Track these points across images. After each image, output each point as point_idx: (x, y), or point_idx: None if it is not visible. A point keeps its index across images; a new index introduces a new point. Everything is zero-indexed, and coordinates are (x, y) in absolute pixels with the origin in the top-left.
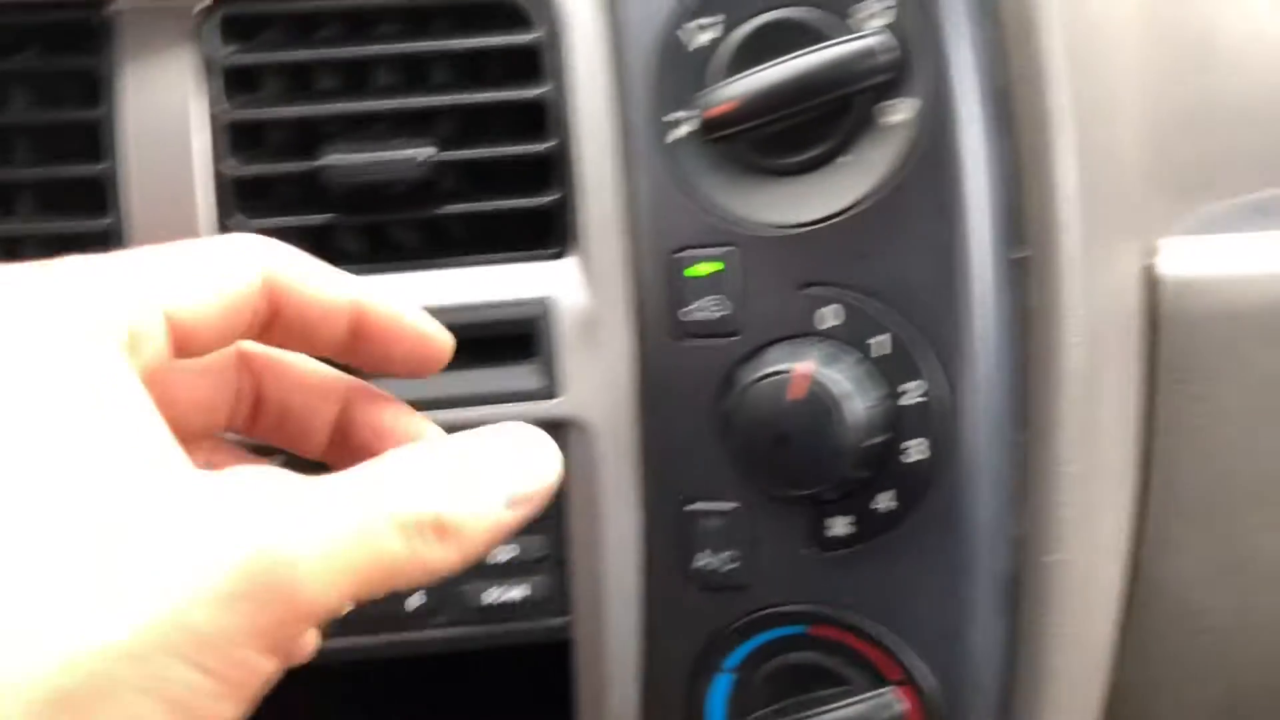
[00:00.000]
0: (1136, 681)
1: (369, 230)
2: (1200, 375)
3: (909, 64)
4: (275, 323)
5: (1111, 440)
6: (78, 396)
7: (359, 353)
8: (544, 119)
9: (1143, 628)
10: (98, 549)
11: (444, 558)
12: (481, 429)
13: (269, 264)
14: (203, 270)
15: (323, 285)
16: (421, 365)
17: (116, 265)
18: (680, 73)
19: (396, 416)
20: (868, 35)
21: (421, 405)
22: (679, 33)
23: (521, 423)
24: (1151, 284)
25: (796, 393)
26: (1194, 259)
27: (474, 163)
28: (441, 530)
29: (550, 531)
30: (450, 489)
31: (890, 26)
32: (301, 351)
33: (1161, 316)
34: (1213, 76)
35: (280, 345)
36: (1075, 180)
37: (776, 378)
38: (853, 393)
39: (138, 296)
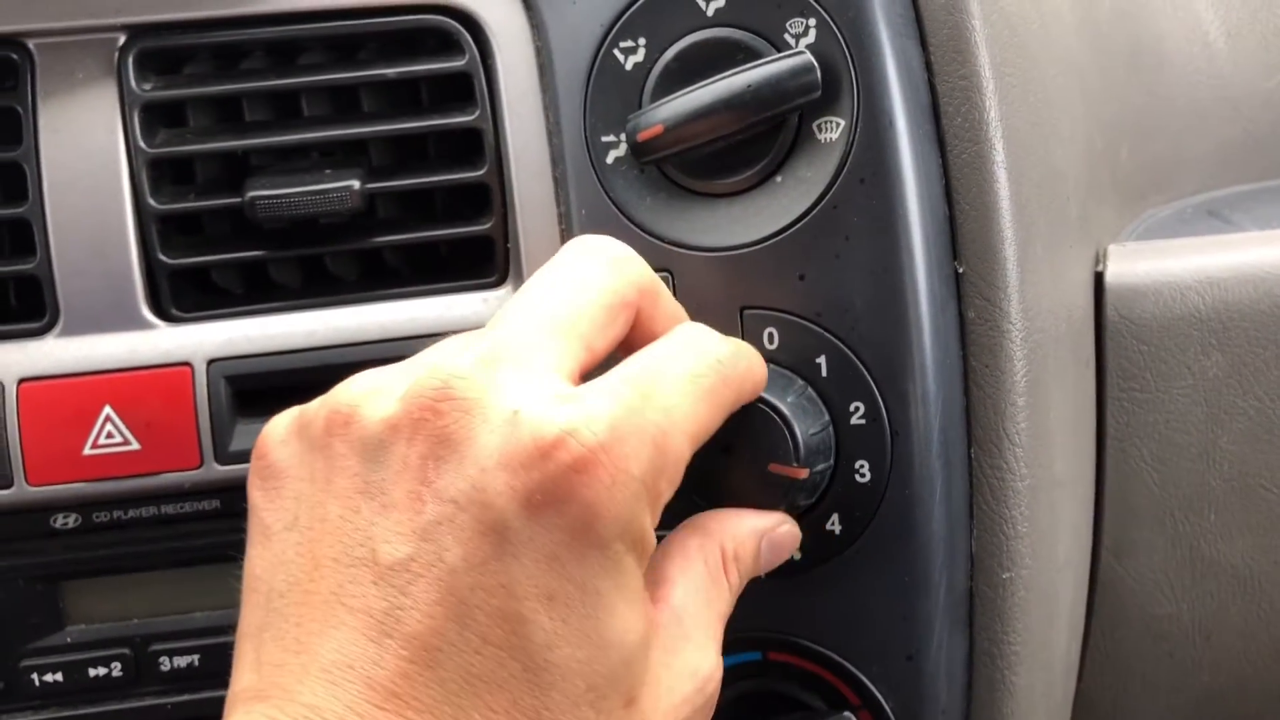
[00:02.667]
0: (1103, 695)
1: (305, 263)
2: (1150, 381)
3: (838, 82)
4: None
5: (1065, 451)
6: None
7: None
8: (478, 145)
9: (1106, 640)
10: None
11: None
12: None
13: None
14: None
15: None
16: None
17: None
18: (616, 94)
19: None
20: (795, 54)
21: None
22: (615, 53)
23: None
24: (1099, 291)
25: None
26: (1141, 264)
27: (408, 191)
28: None
29: None
30: None
31: (817, 45)
32: None
33: (1109, 322)
34: (1157, 81)
35: None
36: (1009, 193)
37: None
38: (796, 417)
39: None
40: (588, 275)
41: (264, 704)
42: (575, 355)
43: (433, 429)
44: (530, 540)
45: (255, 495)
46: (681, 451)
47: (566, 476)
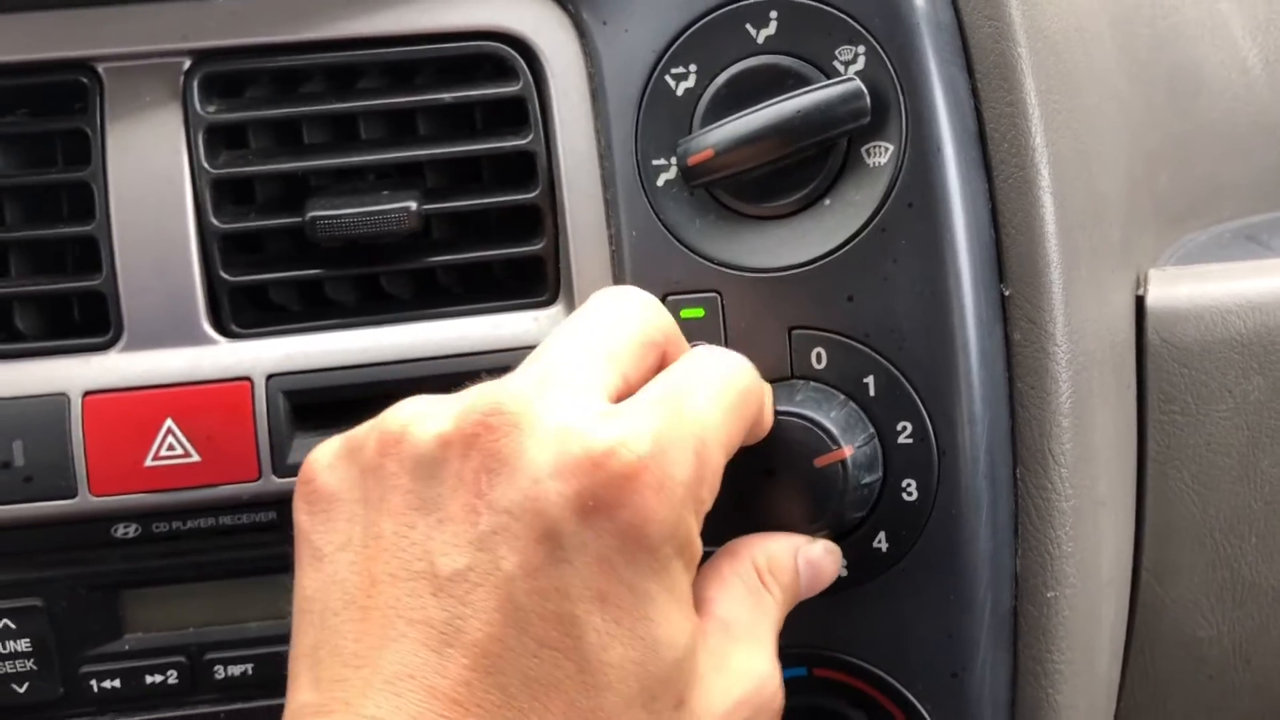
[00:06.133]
0: (1143, 716)
1: (360, 281)
2: (1191, 404)
3: (886, 108)
4: None
5: (1108, 472)
6: None
7: None
8: (531, 168)
9: (1146, 661)
10: None
11: None
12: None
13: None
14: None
15: None
16: None
17: None
18: (667, 119)
19: None
20: (844, 80)
21: None
22: (667, 79)
23: None
24: (1140, 314)
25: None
26: (1182, 288)
27: (463, 212)
28: None
29: None
30: None
31: (866, 72)
32: None
33: (1150, 346)
34: (1195, 107)
35: None
36: (1054, 217)
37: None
38: (843, 435)
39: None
40: (623, 314)
41: (327, 718)
42: (614, 382)
43: (485, 444)
44: (583, 545)
45: (303, 520)
46: (718, 460)
47: (617, 484)
